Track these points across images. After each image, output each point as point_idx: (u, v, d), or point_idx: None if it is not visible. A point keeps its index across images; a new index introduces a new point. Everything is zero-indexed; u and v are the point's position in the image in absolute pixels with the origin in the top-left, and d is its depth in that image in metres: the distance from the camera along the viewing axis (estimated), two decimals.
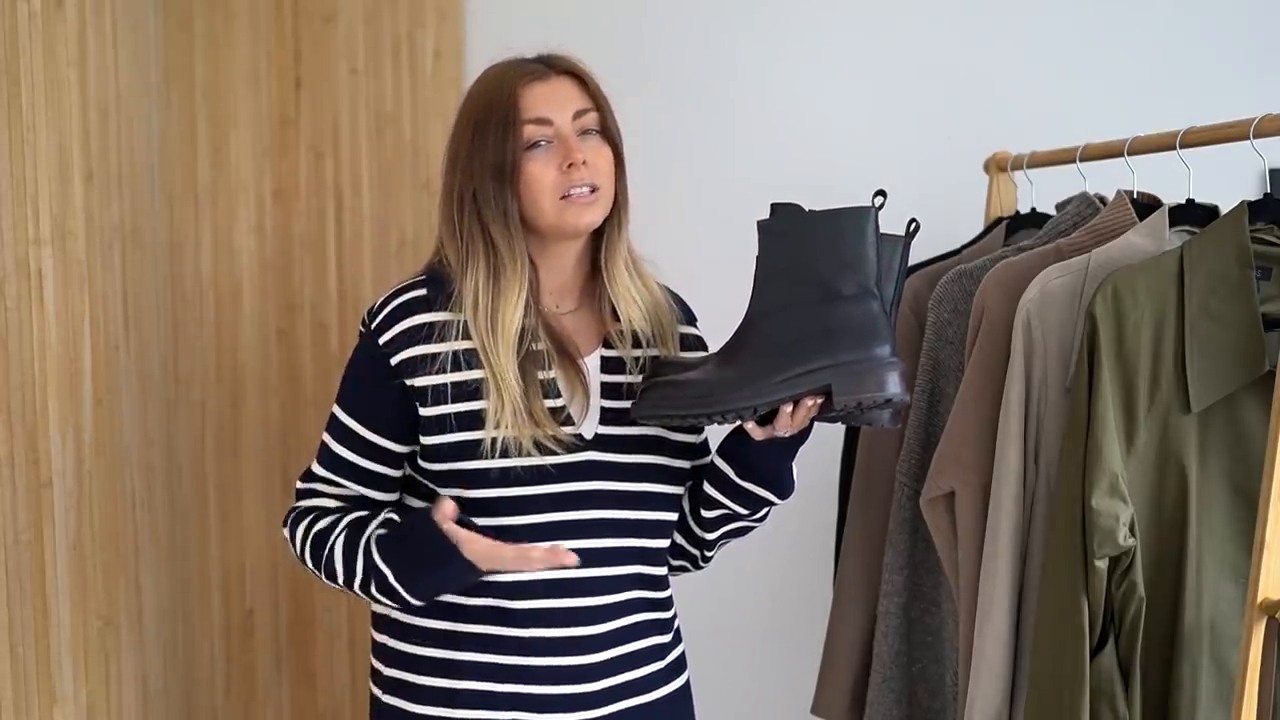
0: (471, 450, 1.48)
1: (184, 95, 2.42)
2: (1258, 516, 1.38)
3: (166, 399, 2.32)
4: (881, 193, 1.46)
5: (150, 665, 2.19)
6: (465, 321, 1.50)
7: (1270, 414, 1.39)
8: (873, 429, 2.01)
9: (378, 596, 1.51)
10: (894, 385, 1.40)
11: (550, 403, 1.50)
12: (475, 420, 1.48)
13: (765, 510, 1.60)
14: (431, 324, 1.50)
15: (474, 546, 1.44)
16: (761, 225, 1.46)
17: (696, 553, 1.66)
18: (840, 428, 2.18)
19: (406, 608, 1.53)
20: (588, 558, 1.50)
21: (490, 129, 1.49)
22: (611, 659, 1.53)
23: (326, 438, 1.56)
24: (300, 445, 2.57)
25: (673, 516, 1.59)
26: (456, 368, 1.49)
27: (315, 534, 1.53)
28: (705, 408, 1.42)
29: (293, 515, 1.56)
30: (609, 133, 1.54)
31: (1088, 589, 1.51)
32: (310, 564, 1.54)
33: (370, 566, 1.49)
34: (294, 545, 1.56)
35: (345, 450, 1.54)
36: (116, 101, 2.12)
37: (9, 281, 1.76)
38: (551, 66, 1.54)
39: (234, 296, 2.51)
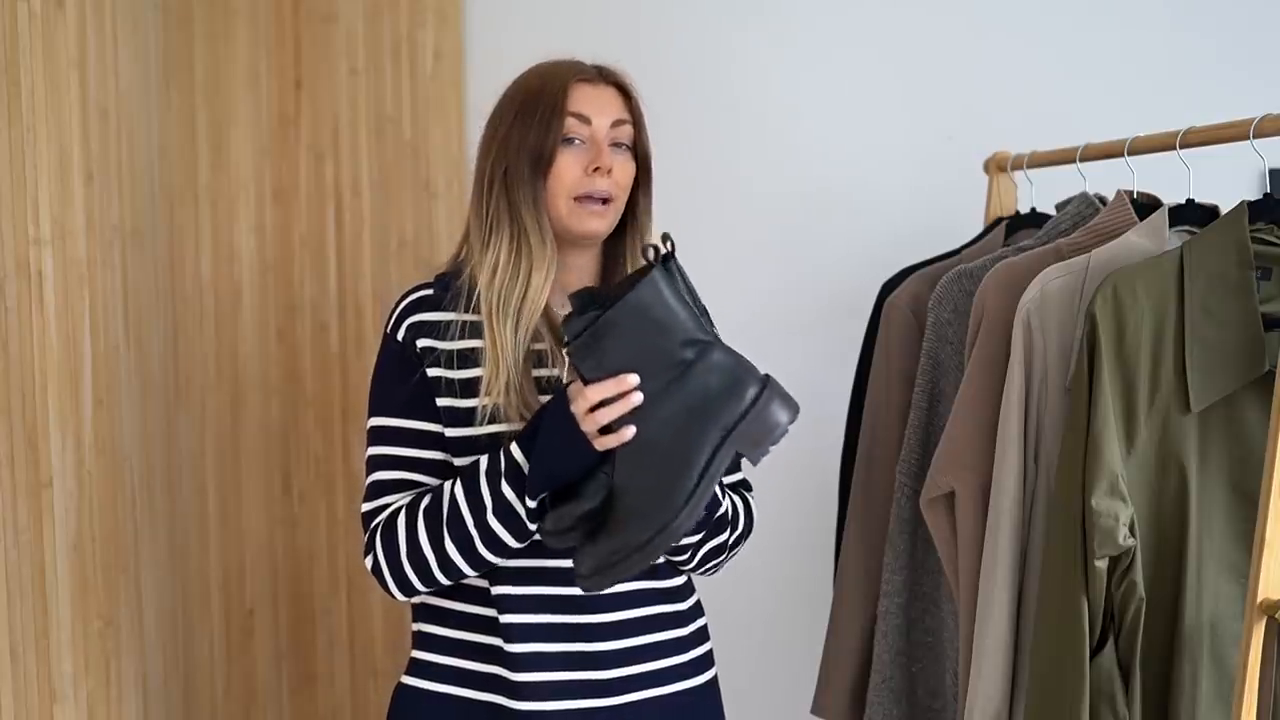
0: (471, 445, 1.52)
1: (184, 95, 2.42)
2: (1258, 515, 1.38)
3: (166, 399, 2.31)
4: (661, 242, 1.40)
5: (150, 665, 2.18)
6: (468, 322, 1.54)
7: (1270, 414, 1.39)
8: (873, 434, 2.02)
9: (494, 527, 1.44)
10: (785, 413, 1.38)
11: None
12: (470, 417, 1.52)
13: (718, 531, 1.59)
14: (436, 322, 1.55)
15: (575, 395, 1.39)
16: (571, 352, 1.38)
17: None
18: (839, 428, 2.18)
19: (521, 530, 1.45)
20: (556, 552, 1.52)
21: (537, 113, 1.53)
22: (624, 649, 1.55)
23: (374, 451, 1.55)
24: (300, 445, 2.57)
25: None
26: (460, 365, 1.53)
27: (425, 506, 1.48)
28: (643, 552, 1.36)
29: (379, 528, 1.51)
30: (639, 150, 1.59)
31: (1088, 589, 1.51)
32: (426, 538, 1.47)
33: (505, 468, 1.44)
34: (398, 543, 1.48)
35: (399, 449, 1.54)
36: (116, 101, 2.12)
37: (9, 281, 1.76)
38: (603, 75, 1.59)
39: (234, 296, 2.51)
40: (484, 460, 1.47)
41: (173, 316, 2.38)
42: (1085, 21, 2.51)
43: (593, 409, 1.37)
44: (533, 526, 1.45)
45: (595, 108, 1.55)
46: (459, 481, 1.48)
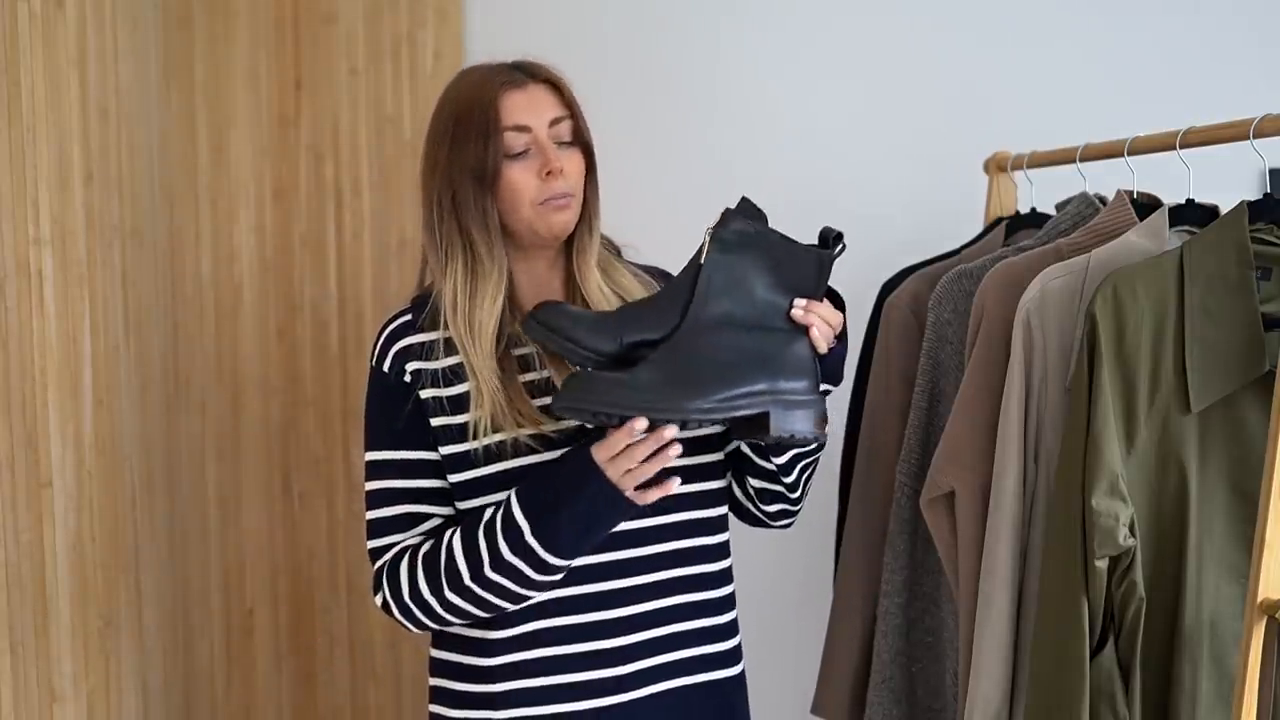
0: (467, 460, 1.52)
1: (184, 95, 2.42)
2: (1258, 515, 1.38)
3: (166, 399, 2.32)
4: (840, 237, 1.49)
5: (150, 665, 2.19)
6: (449, 338, 1.54)
7: (1270, 414, 1.39)
8: (873, 437, 2.02)
9: (496, 578, 1.45)
10: (815, 427, 1.46)
11: (545, 401, 1.53)
12: (466, 432, 1.52)
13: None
14: (421, 344, 1.55)
15: (600, 452, 1.43)
16: (719, 235, 1.45)
17: (782, 491, 1.62)
18: (839, 428, 2.18)
19: (543, 572, 1.46)
20: (598, 545, 1.52)
21: (471, 134, 1.53)
22: (649, 640, 1.55)
23: (371, 486, 1.56)
24: (300, 445, 2.57)
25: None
26: (447, 383, 1.53)
27: (425, 555, 1.50)
28: (645, 407, 1.40)
29: (385, 569, 1.53)
30: (581, 139, 1.58)
31: (1088, 589, 1.51)
32: (427, 588, 1.49)
33: (505, 524, 1.45)
34: (401, 589, 1.50)
35: (397, 481, 1.54)
36: (116, 101, 2.12)
37: (9, 281, 1.76)
38: (529, 74, 1.57)
39: (234, 296, 2.51)
40: (487, 513, 1.48)
41: (173, 316, 2.38)
42: (1085, 21, 2.51)
43: (627, 470, 1.41)
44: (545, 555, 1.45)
45: (530, 113, 1.53)
46: (457, 533, 1.49)
